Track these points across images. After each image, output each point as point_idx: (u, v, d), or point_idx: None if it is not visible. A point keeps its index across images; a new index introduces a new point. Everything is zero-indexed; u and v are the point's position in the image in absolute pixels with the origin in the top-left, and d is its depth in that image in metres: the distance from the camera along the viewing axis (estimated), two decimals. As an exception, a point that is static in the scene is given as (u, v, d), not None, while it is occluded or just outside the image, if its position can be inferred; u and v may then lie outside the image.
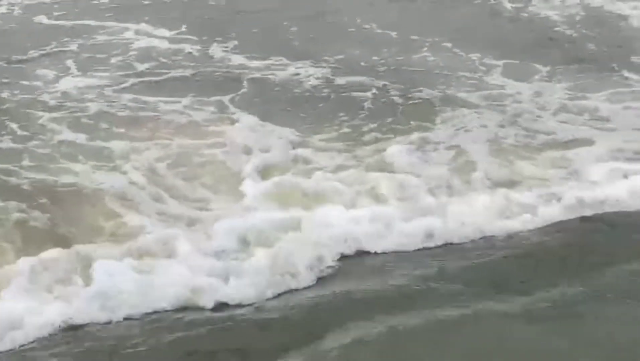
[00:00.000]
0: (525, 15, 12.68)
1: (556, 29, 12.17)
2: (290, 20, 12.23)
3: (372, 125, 9.18)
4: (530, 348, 5.55)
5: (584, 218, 7.38)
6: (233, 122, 9.22)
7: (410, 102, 9.69)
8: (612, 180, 7.90)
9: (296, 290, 6.53)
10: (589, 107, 9.58)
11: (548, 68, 10.64)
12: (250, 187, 7.85)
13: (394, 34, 11.76)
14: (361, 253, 7.08)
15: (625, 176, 7.93)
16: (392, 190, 7.83)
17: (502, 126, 9.12)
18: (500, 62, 10.79)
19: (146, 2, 12.97)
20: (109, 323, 6.14)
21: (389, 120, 9.28)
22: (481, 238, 7.17)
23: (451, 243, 7.13)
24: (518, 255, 6.83)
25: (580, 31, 12.00)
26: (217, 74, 10.47)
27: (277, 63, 10.76)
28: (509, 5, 13.00)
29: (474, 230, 7.22)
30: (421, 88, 10.00)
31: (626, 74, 10.50)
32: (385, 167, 8.28)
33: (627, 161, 8.31)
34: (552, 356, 5.47)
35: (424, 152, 8.59)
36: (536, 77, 10.44)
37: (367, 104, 9.67)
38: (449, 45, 11.35)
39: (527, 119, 9.30)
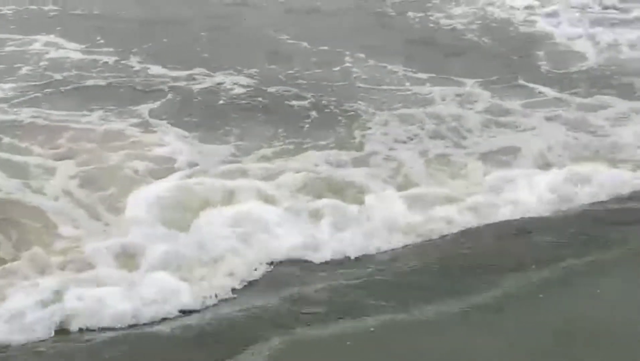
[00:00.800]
0: (431, 25, 12.86)
1: (463, 37, 12.36)
2: (207, 31, 12.14)
3: (295, 137, 9.03)
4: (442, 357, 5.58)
5: (496, 225, 7.42)
6: (153, 132, 8.94)
7: (332, 112, 9.63)
8: (524, 187, 7.96)
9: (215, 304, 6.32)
10: (508, 116, 9.67)
11: (464, 79, 10.67)
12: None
13: (305, 44, 11.75)
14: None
15: (536, 182, 8.01)
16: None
17: (430, 137, 9.10)
18: (416, 72, 10.80)
19: (53, 14, 12.61)
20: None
21: (311, 130, 9.19)
22: (390, 249, 7.10)
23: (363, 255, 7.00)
24: (429, 263, 6.79)
25: (485, 41, 12.18)
26: (136, 84, 10.22)
27: (197, 73, 10.60)
28: (411, 14, 13.22)
29: (383, 241, 7.15)
30: (342, 99, 9.95)
31: (533, 84, 10.59)
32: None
33: (540, 168, 8.45)
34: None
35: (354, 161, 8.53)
36: (454, 87, 10.46)
37: (288, 115, 9.58)
38: (362, 55, 11.33)
39: (451, 129, 9.30)
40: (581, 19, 12.94)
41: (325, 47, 11.61)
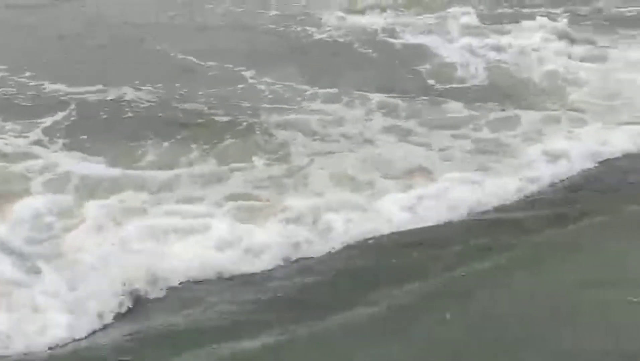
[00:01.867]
0: (318, 38, 12.93)
1: (361, 51, 12.41)
2: (106, 47, 12.08)
3: (192, 152, 9.04)
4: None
5: (373, 239, 7.52)
6: (49, 146, 8.99)
7: (238, 128, 9.64)
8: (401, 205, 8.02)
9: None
10: (409, 131, 9.74)
11: (364, 93, 10.70)
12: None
13: (211, 63, 11.67)
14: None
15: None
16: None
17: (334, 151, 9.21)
18: (317, 89, 10.77)
19: None
20: None
21: (217, 146, 9.20)
22: (279, 266, 7.15)
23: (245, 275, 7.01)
24: (318, 279, 6.89)
25: (373, 55, 12.26)
26: (30, 99, 10.19)
27: (97, 90, 10.50)
28: (298, 28, 13.28)
29: (272, 258, 7.16)
30: (247, 115, 9.97)
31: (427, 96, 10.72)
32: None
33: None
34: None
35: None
36: (352, 102, 10.50)
37: (185, 131, 9.53)
38: (265, 71, 11.31)
39: (356, 143, 9.39)
40: (463, 33, 13.03)
41: (229, 64, 11.57)
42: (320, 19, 13.67)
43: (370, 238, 7.49)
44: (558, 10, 13.77)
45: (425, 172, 8.61)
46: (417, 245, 7.38)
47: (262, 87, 10.80)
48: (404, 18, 13.77)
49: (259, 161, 8.76)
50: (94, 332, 6.17)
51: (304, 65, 11.60)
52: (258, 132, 9.50)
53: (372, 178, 8.44)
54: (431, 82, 11.20)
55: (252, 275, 7.00)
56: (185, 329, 6.16)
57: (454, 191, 8.14)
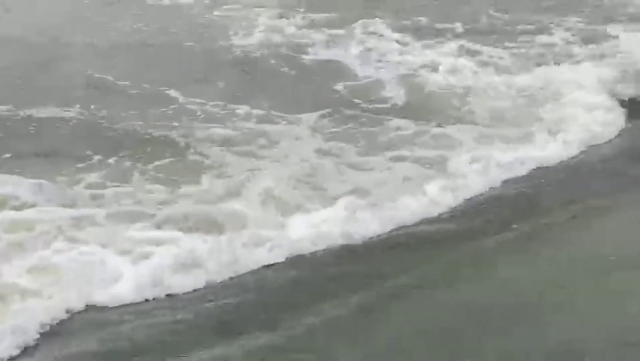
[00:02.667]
0: (237, 55, 12.75)
1: (280, 68, 12.30)
2: (10, 68, 11.77)
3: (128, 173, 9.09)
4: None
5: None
6: None
7: (173, 148, 9.64)
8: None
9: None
10: (342, 151, 9.78)
11: (292, 111, 10.70)
12: None
13: (130, 82, 11.50)
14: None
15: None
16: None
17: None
18: (248, 109, 10.72)
19: None
20: None
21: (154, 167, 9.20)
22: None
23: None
24: (247, 298, 7.03)
25: (295, 72, 12.18)
26: None
27: (12, 110, 10.40)
28: (214, 44, 13.10)
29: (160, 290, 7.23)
30: (181, 136, 9.93)
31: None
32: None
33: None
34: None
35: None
36: (283, 121, 10.51)
37: (118, 152, 9.51)
38: (196, 91, 11.21)
39: (291, 164, 9.41)
40: (379, 48, 13.04)
41: (147, 83, 11.46)
42: (237, 34, 13.54)
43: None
44: (467, 26, 13.84)
45: (360, 193, 8.72)
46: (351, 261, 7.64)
47: (193, 107, 10.74)
48: (319, 34, 13.60)
49: (193, 182, 8.83)
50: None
51: (228, 83, 11.55)
52: (193, 153, 9.51)
53: (303, 199, 8.58)
54: (355, 100, 11.18)
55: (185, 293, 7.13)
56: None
57: (386, 209, 8.35)
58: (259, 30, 13.59)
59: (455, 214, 8.38)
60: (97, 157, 9.28)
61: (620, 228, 7.86)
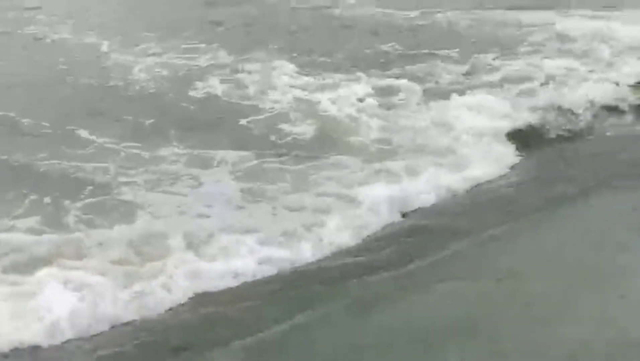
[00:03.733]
0: (136, 91, 12.91)
1: (183, 104, 12.51)
2: None
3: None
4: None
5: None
6: None
7: (88, 191, 9.60)
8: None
9: None
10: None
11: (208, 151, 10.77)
12: None
13: (35, 120, 11.50)
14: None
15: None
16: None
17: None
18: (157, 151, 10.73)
19: None
20: None
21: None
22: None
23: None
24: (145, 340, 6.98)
25: (199, 109, 12.37)
26: None
27: None
28: (115, 81, 13.20)
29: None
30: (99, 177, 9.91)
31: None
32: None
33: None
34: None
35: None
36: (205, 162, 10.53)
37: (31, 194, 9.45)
38: (86, 131, 11.16)
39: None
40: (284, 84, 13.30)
41: (46, 123, 11.42)
42: (133, 67, 13.77)
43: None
44: (361, 60, 14.37)
45: (252, 231, 8.77)
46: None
47: (110, 146, 10.76)
48: (220, 69, 13.91)
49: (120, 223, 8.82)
50: None
51: (136, 123, 11.61)
52: (117, 194, 9.51)
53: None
54: (262, 135, 11.36)
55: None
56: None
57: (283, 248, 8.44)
58: (161, 68, 13.91)
59: (354, 251, 8.50)
60: (20, 200, 9.28)
61: (514, 254, 8.03)
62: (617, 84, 12.48)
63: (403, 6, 18.45)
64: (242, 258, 8.28)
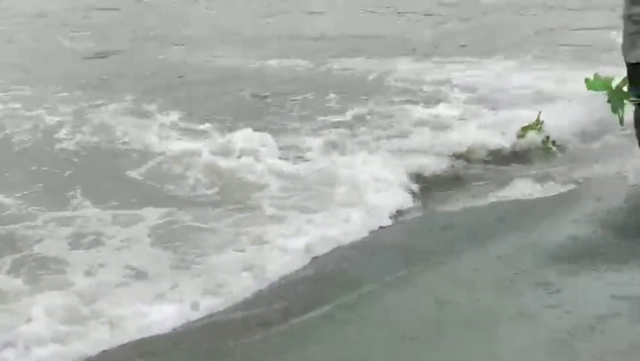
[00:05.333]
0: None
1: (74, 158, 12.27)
2: None
3: None
4: None
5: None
6: None
7: None
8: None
9: None
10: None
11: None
12: None
13: None
14: None
15: None
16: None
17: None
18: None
19: None
20: None
21: None
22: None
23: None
24: None
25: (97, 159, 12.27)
26: None
27: None
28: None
29: None
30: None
31: None
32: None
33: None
34: None
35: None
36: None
37: None
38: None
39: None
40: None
41: None
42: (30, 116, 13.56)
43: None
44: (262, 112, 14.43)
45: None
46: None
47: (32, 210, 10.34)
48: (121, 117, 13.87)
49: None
50: None
51: (51, 184, 11.34)
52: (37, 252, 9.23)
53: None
54: (161, 188, 11.12)
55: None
56: None
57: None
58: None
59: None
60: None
61: (410, 301, 7.83)
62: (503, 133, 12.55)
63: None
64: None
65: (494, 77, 16.50)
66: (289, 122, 13.97)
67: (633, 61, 9.12)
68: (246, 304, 8.18)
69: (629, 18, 9.07)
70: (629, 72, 9.33)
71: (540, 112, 12.55)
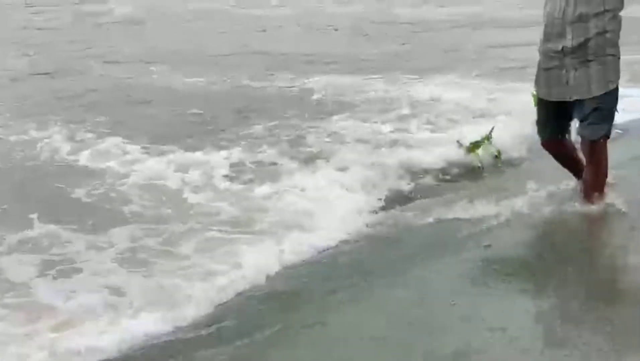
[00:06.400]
0: None
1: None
2: None
3: None
4: None
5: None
6: None
7: None
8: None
9: None
10: None
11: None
12: None
13: None
14: None
15: None
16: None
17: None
18: None
19: None
20: None
21: None
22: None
23: None
24: None
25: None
26: None
27: None
28: None
29: None
30: None
31: None
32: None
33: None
34: None
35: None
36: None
37: None
38: None
39: None
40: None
41: None
42: None
43: None
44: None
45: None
46: None
47: None
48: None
49: None
50: None
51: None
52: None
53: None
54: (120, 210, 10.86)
55: None
56: None
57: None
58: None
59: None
60: None
61: (354, 322, 7.62)
62: (460, 144, 12.41)
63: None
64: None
65: (440, 93, 16.58)
66: (227, 141, 13.78)
67: (553, 99, 9.21)
68: (195, 325, 7.99)
69: (544, 54, 9.14)
70: (543, 107, 9.42)
71: (493, 128, 12.48)
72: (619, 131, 12.39)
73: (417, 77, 18.41)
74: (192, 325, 7.98)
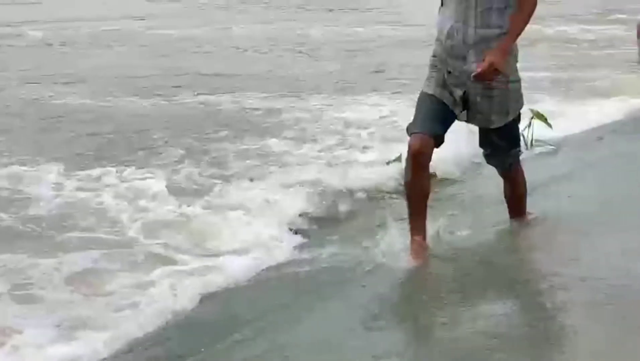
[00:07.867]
0: None
1: None
2: None
3: None
4: None
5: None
6: None
7: None
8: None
9: None
10: None
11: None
12: None
13: None
14: None
15: None
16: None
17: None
18: None
19: None
20: None
21: None
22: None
23: None
24: None
25: None
26: None
27: None
28: None
29: None
30: None
31: None
32: None
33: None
34: None
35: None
36: None
37: None
38: None
39: None
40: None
41: None
42: None
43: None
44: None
45: None
46: None
47: None
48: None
49: None
50: None
51: None
52: None
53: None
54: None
55: None
56: None
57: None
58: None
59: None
60: None
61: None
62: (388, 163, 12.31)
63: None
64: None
65: (366, 113, 16.54)
66: (146, 162, 13.52)
67: (493, 127, 8.71)
68: (123, 350, 7.81)
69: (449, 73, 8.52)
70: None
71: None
72: (552, 147, 12.40)
73: (338, 96, 18.24)
74: (121, 350, 7.83)
